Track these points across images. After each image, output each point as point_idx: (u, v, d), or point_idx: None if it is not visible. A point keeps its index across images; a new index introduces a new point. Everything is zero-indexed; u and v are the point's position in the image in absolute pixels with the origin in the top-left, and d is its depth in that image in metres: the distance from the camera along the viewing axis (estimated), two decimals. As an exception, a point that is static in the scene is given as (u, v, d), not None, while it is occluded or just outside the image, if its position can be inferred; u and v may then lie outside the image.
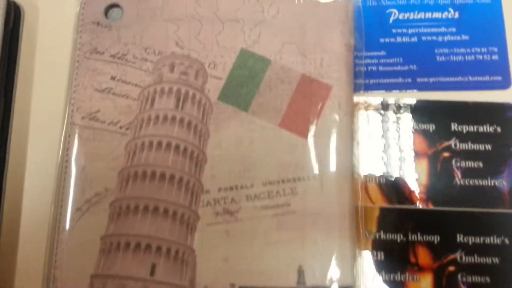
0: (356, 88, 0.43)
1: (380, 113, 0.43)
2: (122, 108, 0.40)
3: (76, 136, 0.39)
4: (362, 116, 0.43)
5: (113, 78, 0.40)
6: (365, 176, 0.42)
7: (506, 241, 0.40)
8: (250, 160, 0.39)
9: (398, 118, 0.43)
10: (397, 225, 0.41)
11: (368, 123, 0.43)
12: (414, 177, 0.42)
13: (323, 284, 0.37)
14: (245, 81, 0.41)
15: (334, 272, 0.37)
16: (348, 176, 0.39)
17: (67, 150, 0.39)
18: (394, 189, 0.42)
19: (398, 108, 0.43)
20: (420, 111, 0.43)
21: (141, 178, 0.39)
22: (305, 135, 0.40)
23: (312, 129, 0.40)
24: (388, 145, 0.42)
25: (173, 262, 0.37)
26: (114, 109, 0.40)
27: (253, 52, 0.41)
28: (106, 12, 0.42)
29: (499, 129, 0.43)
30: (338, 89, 0.41)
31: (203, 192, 0.39)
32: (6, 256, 0.38)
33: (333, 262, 0.37)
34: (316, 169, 0.39)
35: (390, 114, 0.43)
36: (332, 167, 0.39)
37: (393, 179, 0.42)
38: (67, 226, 0.38)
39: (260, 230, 0.38)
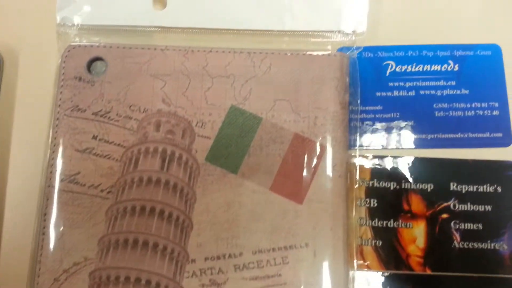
0: (351, 145, 0.42)
1: (375, 171, 0.42)
2: (103, 170, 0.39)
3: (55, 200, 0.38)
4: (356, 174, 0.42)
5: (94, 137, 0.39)
6: (361, 239, 0.41)
7: (507, 309, 0.40)
8: (239, 226, 0.38)
9: (393, 177, 0.42)
10: (393, 292, 0.40)
11: (362, 181, 0.42)
12: (411, 240, 0.41)
13: None
14: (235, 140, 0.40)
15: None
16: (343, 242, 0.38)
17: (44, 215, 0.38)
18: (390, 253, 0.41)
19: (394, 166, 0.42)
20: (418, 169, 0.42)
21: (123, 247, 0.37)
22: (297, 199, 0.39)
23: (305, 193, 0.39)
24: (384, 205, 0.42)
25: (155, 338, 0.36)
26: (95, 171, 0.39)
27: (244, 110, 0.40)
28: (89, 66, 0.41)
29: (499, 189, 0.42)
30: (332, 150, 0.40)
31: (189, 261, 0.38)
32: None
33: None
34: (309, 236, 0.38)
35: (385, 172, 0.42)
36: (326, 233, 0.39)
37: (389, 242, 0.41)
38: (44, 299, 0.37)
39: (248, 304, 0.37)
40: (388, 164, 0.43)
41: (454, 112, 0.44)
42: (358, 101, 0.43)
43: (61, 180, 0.39)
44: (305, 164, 0.40)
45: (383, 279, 0.40)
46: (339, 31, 0.44)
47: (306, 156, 0.40)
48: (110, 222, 0.38)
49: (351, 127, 0.42)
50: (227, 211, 0.39)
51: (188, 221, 0.38)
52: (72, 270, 0.37)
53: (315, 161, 0.40)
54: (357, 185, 0.42)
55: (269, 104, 0.41)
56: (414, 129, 0.44)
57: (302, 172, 0.39)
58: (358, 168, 0.42)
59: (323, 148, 0.40)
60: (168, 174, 0.39)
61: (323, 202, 0.39)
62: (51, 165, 0.39)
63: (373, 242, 0.41)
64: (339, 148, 0.40)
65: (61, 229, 0.38)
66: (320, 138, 0.40)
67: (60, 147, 0.39)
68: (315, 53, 0.42)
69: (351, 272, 0.39)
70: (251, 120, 0.40)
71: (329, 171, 0.40)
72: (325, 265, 0.38)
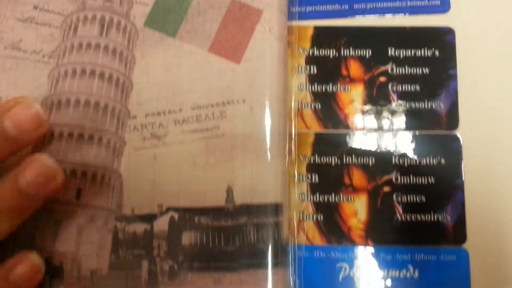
0: (291, 16, 0.46)
1: (315, 39, 0.47)
2: (44, 37, 0.43)
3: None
4: (297, 43, 0.47)
5: (35, 7, 0.44)
6: (300, 102, 0.45)
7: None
8: (178, 85, 0.43)
9: (332, 44, 0.47)
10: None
11: (302, 50, 0.46)
12: (349, 102, 0.46)
13: (252, 202, 0.41)
14: (173, 6, 0.44)
15: (263, 190, 0.41)
16: (280, 100, 0.43)
17: (-11, 81, 0.43)
18: (329, 114, 0.45)
19: (333, 34, 0.47)
20: (357, 36, 0.47)
21: (65, 106, 0.42)
22: (234, 59, 0.44)
23: (242, 53, 0.43)
24: (324, 72, 0.46)
25: (99, 186, 0.41)
26: (37, 38, 0.43)
27: (181, -22, 0.45)
28: None
29: (437, 53, 0.47)
30: (269, 14, 0.44)
31: (130, 118, 0.42)
32: None
33: (263, 181, 0.41)
34: (245, 93, 0.43)
35: (325, 40, 0.47)
36: (262, 91, 0.43)
37: (328, 104, 0.46)
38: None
39: (188, 154, 0.42)
40: (327, 32, 0.47)
41: None
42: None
43: (5, 48, 0.43)
44: (242, 28, 0.44)
45: (322, 138, 0.45)
46: None
47: (243, 20, 0.44)
48: (52, 85, 0.43)
49: (291, -1, 0.46)
50: (166, 72, 0.43)
51: (128, 81, 0.43)
52: (17, 128, 0.42)
53: (252, 24, 0.44)
54: (296, 51, 0.46)
55: (206, -27, 0.45)
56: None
57: (240, 35, 0.44)
58: (297, 35, 0.47)
59: (259, 12, 0.44)
60: (107, 38, 0.44)
61: (260, 62, 0.44)
62: (-6, 34, 0.44)
63: (313, 105, 0.45)
64: (276, 12, 0.45)
65: (6, 92, 0.43)
66: (256, 3, 0.44)
67: (3, 17, 0.44)
68: None
69: (290, 131, 0.44)
70: (189, -13, 0.45)
71: (266, 34, 0.44)
72: (261, 119, 0.43)
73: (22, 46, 0.43)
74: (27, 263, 0.37)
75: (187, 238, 0.40)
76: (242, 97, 0.43)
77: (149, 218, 0.41)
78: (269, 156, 0.41)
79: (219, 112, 0.42)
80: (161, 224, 0.40)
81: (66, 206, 0.40)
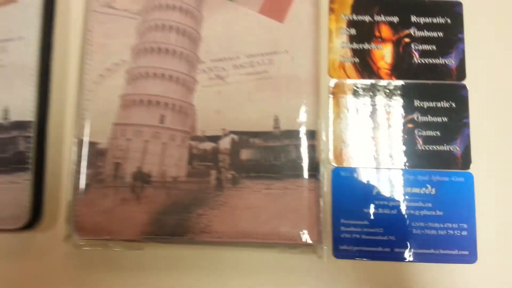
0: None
1: (354, 7, 0.60)
2: (132, -2, 0.57)
3: (95, 20, 0.56)
4: (340, 10, 0.60)
5: (125, -27, 0.57)
6: (342, 57, 0.59)
7: None
8: (236, 38, 0.57)
9: (368, 11, 0.60)
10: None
11: (344, 15, 0.60)
12: (381, 57, 0.60)
13: (293, 128, 0.55)
14: (231, -23, 0.58)
15: (302, 119, 0.55)
16: (314, 51, 0.57)
17: (87, 30, 0.56)
18: (365, 66, 0.59)
19: (369, 3, 0.60)
20: (387, 5, 0.60)
21: (150, 52, 0.56)
22: (279, 19, 0.57)
23: (285, 15, 0.57)
24: (359, 32, 0.60)
25: (178, 114, 0.55)
26: (126, -1, 0.57)
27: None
28: None
29: (449, 21, 0.61)
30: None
31: (199, 62, 0.56)
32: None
33: (301, 113, 0.55)
34: (288, 46, 0.57)
35: (362, 7, 0.60)
36: (301, 45, 0.57)
37: (364, 59, 0.60)
38: (92, 88, 0.55)
39: (244, 91, 0.56)
40: (364, 1, 0.60)
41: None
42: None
43: (101, 6, 0.57)
44: (285, -6, 0.58)
45: (359, 88, 0.59)
46: None
47: (285, -11, 0.58)
48: (139, 35, 0.56)
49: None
50: (227, 27, 0.57)
51: (197, 34, 0.57)
52: (113, 68, 0.56)
53: (292, -8, 0.58)
54: (339, 16, 0.60)
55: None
56: None
57: (283, 0, 0.58)
58: (340, 3, 0.60)
59: (298, -18, 0.58)
60: (180, 1, 0.57)
61: (299, 22, 0.57)
62: (93, -5, 0.57)
63: (352, 59, 0.59)
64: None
65: (102, 40, 0.56)
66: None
67: (99, -19, 0.57)
68: None
69: (334, 79, 0.58)
70: (242, -38, 0.58)
71: (303, 1, 0.58)
72: (301, 67, 0.56)
73: (115, 4, 0.56)
74: None
75: (244, 154, 0.55)
76: (285, 49, 0.56)
77: (216, 139, 0.55)
78: (306, 95, 0.56)
79: (267, 59, 0.56)
80: (225, 143, 0.55)
81: (153, 129, 0.54)
